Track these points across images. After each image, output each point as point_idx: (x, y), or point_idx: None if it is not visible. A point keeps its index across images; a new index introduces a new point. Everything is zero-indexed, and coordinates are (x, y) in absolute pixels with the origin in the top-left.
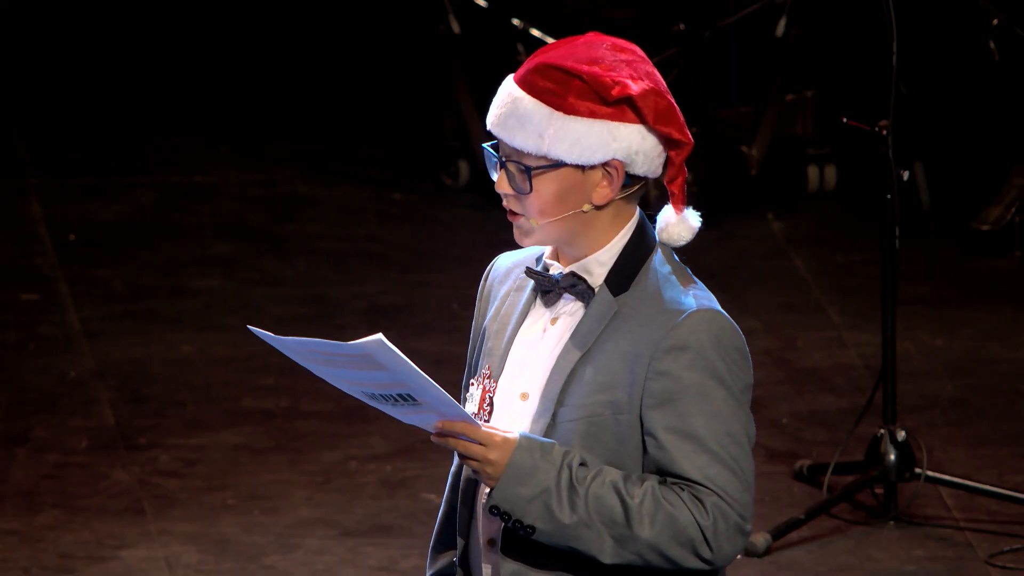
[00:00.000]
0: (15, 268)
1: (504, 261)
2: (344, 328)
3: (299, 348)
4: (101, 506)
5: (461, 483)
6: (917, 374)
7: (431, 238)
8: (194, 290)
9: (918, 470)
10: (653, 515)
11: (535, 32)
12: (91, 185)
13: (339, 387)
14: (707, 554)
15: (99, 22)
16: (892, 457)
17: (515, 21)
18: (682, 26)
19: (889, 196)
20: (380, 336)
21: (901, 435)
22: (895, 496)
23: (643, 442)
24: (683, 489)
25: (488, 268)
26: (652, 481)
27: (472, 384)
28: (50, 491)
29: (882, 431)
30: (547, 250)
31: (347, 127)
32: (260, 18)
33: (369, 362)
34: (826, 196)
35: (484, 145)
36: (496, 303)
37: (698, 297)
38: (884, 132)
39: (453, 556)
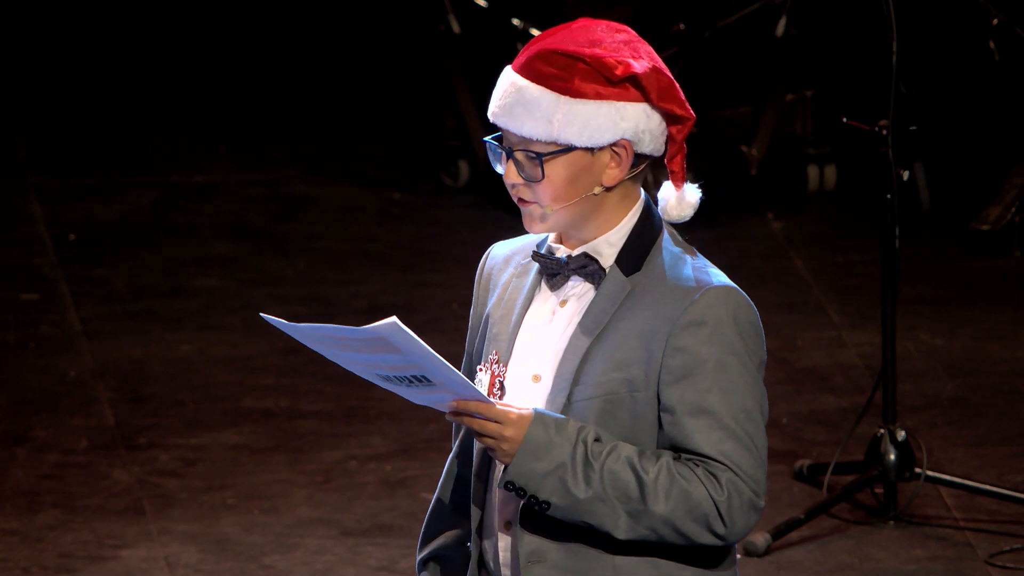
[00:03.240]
0: (15, 268)
1: (501, 249)
2: None
3: (312, 334)
4: (101, 506)
5: (476, 456)
6: (917, 374)
7: (431, 238)
8: (194, 290)
9: (918, 470)
10: (668, 490)
11: (535, 32)
12: (91, 185)
13: (352, 370)
14: (721, 530)
15: (99, 22)
16: (892, 457)
17: (515, 21)
18: (682, 26)
19: (889, 196)
20: (394, 319)
21: (901, 435)
22: (895, 496)
23: (659, 419)
24: (697, 465)
25: (484, 257)
26: (667, 457)
27: (480, 370)
28: (50, 491)
29: (882, 431)
30: (550, 234)
31: (347, 127)
32: (259, 18)
33: (383, 345)
34: (826, 196)
35: (486, 139)
36: (498, 290)
37: (713, 274)
38: (884, 132)
39: (449, 537)
